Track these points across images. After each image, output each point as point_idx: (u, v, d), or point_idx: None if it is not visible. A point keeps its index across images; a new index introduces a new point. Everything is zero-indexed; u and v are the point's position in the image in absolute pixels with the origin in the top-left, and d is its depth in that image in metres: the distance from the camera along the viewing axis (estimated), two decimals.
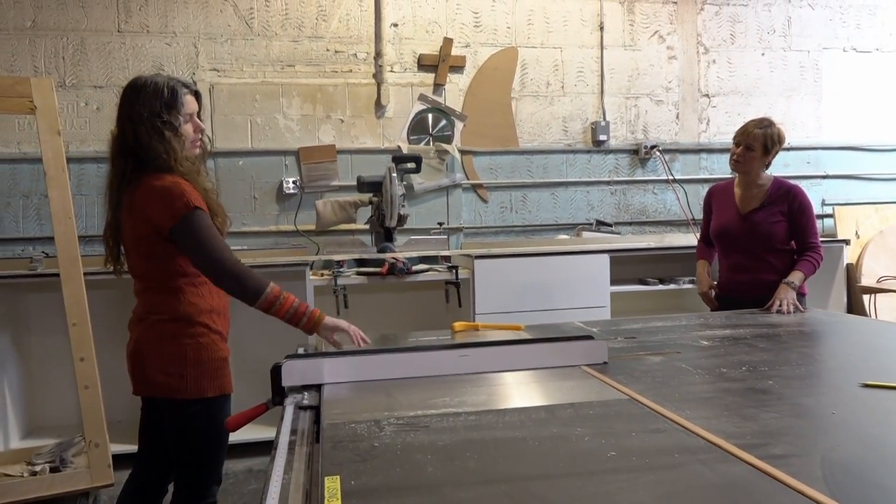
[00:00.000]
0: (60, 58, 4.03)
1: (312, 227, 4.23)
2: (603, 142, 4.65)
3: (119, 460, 2.74)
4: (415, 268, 3.73)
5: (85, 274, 2.68)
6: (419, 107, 4.43)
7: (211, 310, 1.94)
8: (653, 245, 4.26)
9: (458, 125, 4.48)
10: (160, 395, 1.94)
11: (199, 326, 1.92)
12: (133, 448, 2.99)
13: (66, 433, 3.32)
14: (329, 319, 1.93)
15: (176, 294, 1.90)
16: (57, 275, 2.64)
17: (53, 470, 2.75)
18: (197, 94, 2.01)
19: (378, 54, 4.34)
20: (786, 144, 4.89)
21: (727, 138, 4.02)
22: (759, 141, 2.86)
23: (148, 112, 1.88)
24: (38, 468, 2.76)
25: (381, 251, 3.86)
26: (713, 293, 3.07)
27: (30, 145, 3.95)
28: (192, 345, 1.91)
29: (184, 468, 2.00)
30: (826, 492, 0.98)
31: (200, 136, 2.03)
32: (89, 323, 2.64)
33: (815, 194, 4.83)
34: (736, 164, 2.91)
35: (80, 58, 4.05)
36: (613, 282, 3.92)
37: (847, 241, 4.37)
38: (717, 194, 3.08)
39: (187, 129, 1.97)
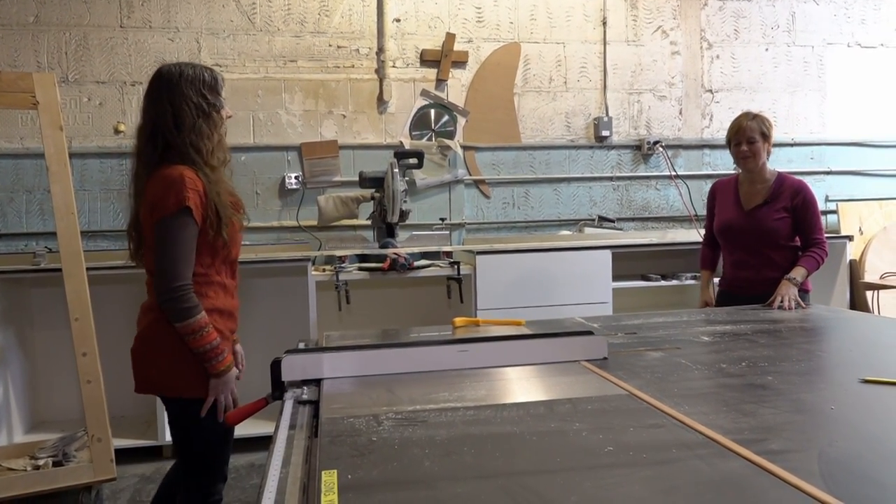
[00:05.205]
0: (63, 53, 4.03)
1: (314, 223, 4.23)
2: (605, 137, 4.64)
3: (121, 455, 2.76)
4: (416, 263, 3.73)
5: (88, 269, 2.69)
6: (421, 102, 4.43)
7: (213, 309, 1.90)
8: (655, 241, 4.26)
9: (461, 121, 4.48)
10: (157, 392, 1.94)
11: None
12: (136, 443, 3.03)
13: (70, 428, 3.33)
14: (233, 373, 1.91)
15: None
16: (60, 270, 2.65)
17: (56, 464, 2.75)
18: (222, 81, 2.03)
19: (380, 50, 4.34)
20: (790, 140, 4.92)
21: None
22: (757, 131, 2.85)
23: (195, 93, 1.90)
24: (41, 462, 2.77)
25: (382, 247, 3.86)
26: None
27: (33, 140, 3.96)
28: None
29: (188, 466, 1.99)
30: (823, 487, 0.98)
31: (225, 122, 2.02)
32: (91, 318, 2.65)
33: (818, 190, 4.81)
34: (746, 160, 2.87)
35: (83, 53, 4.06)
36: (615, 278, 3.91)
37: (850, 237, 4.36)
38: (721, 190, 3.07)
39: (223, 113, 1.99)
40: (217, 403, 1.88)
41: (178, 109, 1.88)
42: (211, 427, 1.92)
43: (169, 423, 1.99)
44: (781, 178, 2.91)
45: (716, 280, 3.14)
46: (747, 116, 2.90)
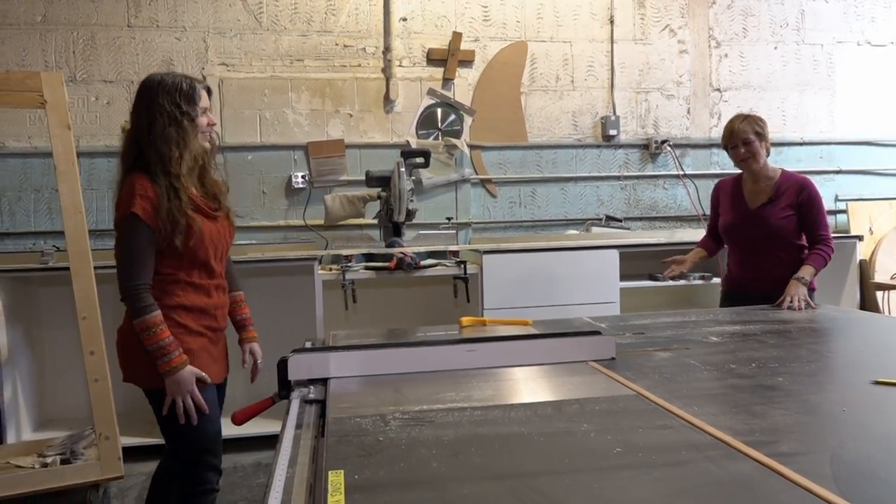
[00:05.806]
0: (71, 52, 4.05)
1: (321, 222, 4.23)
2: (613, 136, 4.62)
3: (129, 453, 2.76)
4: (423, 263, 3.72)
5: (95, 268, 2.69)
6: (428, 101, 4.42)
7: (179, 306, 1.99)
8: (663, 240, 4.23)
9: (467, 120, 4.47)
10: (137, 383, 2.02)
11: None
12: (144, 441, 3.03)
13: (77, 426, 3.34)
14: (186, 374, 1.93)
15: None
16: (67, 268, 2.65)
17: (64, 462, 2.75)
18: (208, 91, 2.09)
19: (387, 49, 4.33)
20: (799, 139, 4.89)
21: None
22: (750, 132, 2.83)
23: (169, 102, 1.96)
24: (49, 460, 2.77)
25: (389, 246, 3.85)
26: (675, 271, 2.97)
27: (41, 139, 3.97)
28: None
29: (174, 456, 2.08)
30: (835, 490, 0.96)
31: (210, 130, 2.09)
32: (99, 317, 2.65)
33: (828, 189, 4.78)
34: (745, 161, 2.86)
35: (91, 52, 4.06)
36: (623, 277, 3.89)
37: (860, 237, 4.32)
38: (725, 189, 3.05)
39: (202, 121, 2.05)
40: (175, 405, 1.94)
41: (153, 117, 1.97)
42: (179, 419, 1.97)
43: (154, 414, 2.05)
44: (785, 175, 2.90)
45: (717, 280, 3.11)
46: (738, 119, 2.88)
